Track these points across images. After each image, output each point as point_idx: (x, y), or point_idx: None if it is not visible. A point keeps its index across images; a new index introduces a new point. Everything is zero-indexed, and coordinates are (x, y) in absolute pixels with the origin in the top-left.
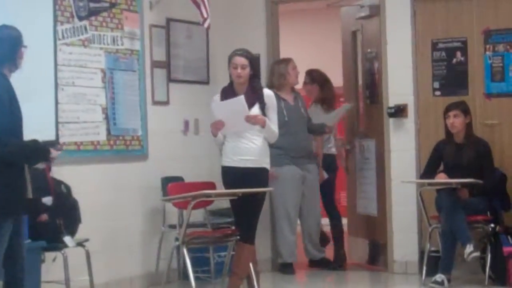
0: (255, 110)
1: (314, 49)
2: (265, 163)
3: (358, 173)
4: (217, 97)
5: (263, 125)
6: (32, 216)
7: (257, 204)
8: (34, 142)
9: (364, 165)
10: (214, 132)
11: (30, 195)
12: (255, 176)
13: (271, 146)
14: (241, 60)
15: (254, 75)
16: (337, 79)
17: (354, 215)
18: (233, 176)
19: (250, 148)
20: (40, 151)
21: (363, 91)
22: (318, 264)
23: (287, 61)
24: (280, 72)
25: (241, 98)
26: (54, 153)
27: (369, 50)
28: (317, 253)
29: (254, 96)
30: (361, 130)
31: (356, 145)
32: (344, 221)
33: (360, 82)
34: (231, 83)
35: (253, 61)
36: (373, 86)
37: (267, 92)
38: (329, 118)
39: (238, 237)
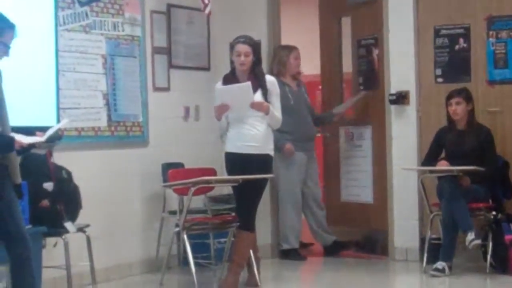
0: (258, 96)
1: (314, 36)
2: (269, 149)
3: (344, 161)
4: (219, 84)
5: (267, 112)
6: (33, 201)
7: (257, 191)
8: None
9: (354, 152)
10: (218, 116)
11: (17, 180)
12: (258, 162)
13: (278, 130)
14: (244, 48)
15: (257, 61)
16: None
17: (336, 204)
18: (237, 162)
19: (254, 135)
20: (2, 141)
21: (354, 78)
22: (332, 249)
23: (290, 49)
24: (281, 59)
25: (248, 85)
26: (27, 140)
27: (364, 36)
28: (329, 236)
29: (257, 83)
30: (350, 118)
31: (341, 133)
32: None
33: (348, 69)
34: (233, 70)
35: (256, 47)
36: (369, 73)
37: (270, 79)
38: (340, 107)
39: (238, 224)
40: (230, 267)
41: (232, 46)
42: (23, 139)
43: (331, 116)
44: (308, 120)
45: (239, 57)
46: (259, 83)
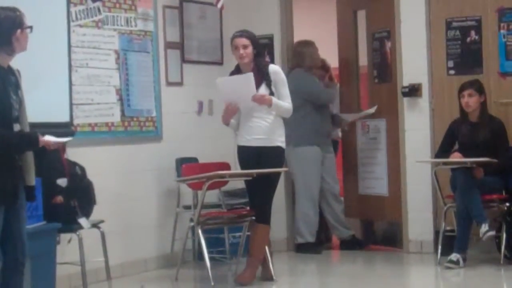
0: (262, 88)
1: (327, 30)
2: (279, 141)
3: (360, 154)
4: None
5: (269, 105)
6: (47, 198)
7: (271, 183)
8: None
9: (370, 145)
10: (226, 121)
11: (30, 182)
12: (268, 155)
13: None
14: (241, 41)
15: (258, 54)
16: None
17: (354, 197)
18: (247, 155)
19: (262, 127)
20: (25, 139)
21: (370, 71)
22: (349, 244)
23: (313, 43)
24: (311, 55)
25: (250, 75)
26: (47, 140)
27: (378, 29)
28: (346, 231)
29: (261, 75)
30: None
31: (358, 126)
32: None
33: (363, 62)
34: (237, 66)
35: (254, 40)
36: (383, 66)
37: (273, 68)
38: (350, 115)
39: (254, 218)
40: (248, 261)
41: (230, 42)
42: (51, 139)
43: (340, 122)
44: (326, 115)
45: (238, 51)
46: (262, 75)
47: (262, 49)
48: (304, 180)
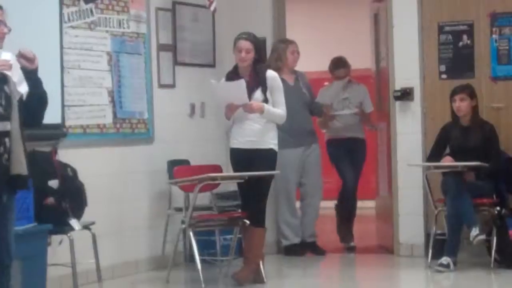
0: (258, 94)
1: (320, 32)
2: (271, 144)
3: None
4: (223, 81)
5: (260, 113)
6: (38, 199)
7: (264, 186)
8: None
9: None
10: (228, 115)
11: (17, 170)
12: (260, 157)
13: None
14: (246, 44)
15: (258, 59)
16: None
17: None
18: (240, 157)
19: (253, 129)
20: None
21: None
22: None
23: (287, 42)
24: (278, 53)
25: (241, 82)
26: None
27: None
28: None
29: (257, 80)
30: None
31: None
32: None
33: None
34: (235, 67)
35: (258, 45)
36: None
37: (271, 74)
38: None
39: (248, 222)
40: (246, 262)
41: (234, 42)
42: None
43: (319, 107)
44: (303, 114)
45: (240, 53)
46: (259, 81)
47: (263, 54)
48: (281, 183)
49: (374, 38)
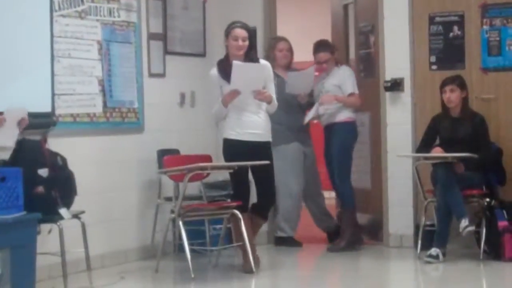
0: None
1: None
2: (269, 136)
3: None
4: (214, 70)
5: (269, 102)
6: (27, 188)
7: (272, 174)
8: None
9: None
10: (226, 102)
11: None
12: (263, 150)
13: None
14: (242, 33)
15: (251, 47)
16: None
17: None
18: (240, 149)
19: (256, 122)
20: None
21: (357, 65)
22: (335, 236)
23: (276, 40)
24: (267, 51)
25: (263, 65)
26: None
27: (363, 23)
28: (331, 221)
29: None
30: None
31: None
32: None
33: (352, 56)
34: (227, 56)
35: (251, 33)
36: (368, 60)
37: (264, 63)
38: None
39: (238, 212)
40: (246, 251)
41: (228, 31)
42: None
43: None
44: (297, 110)
45: (237, 42)
46: None
47: (255, 43)
48: (283, 177)
49: (342, 29)
